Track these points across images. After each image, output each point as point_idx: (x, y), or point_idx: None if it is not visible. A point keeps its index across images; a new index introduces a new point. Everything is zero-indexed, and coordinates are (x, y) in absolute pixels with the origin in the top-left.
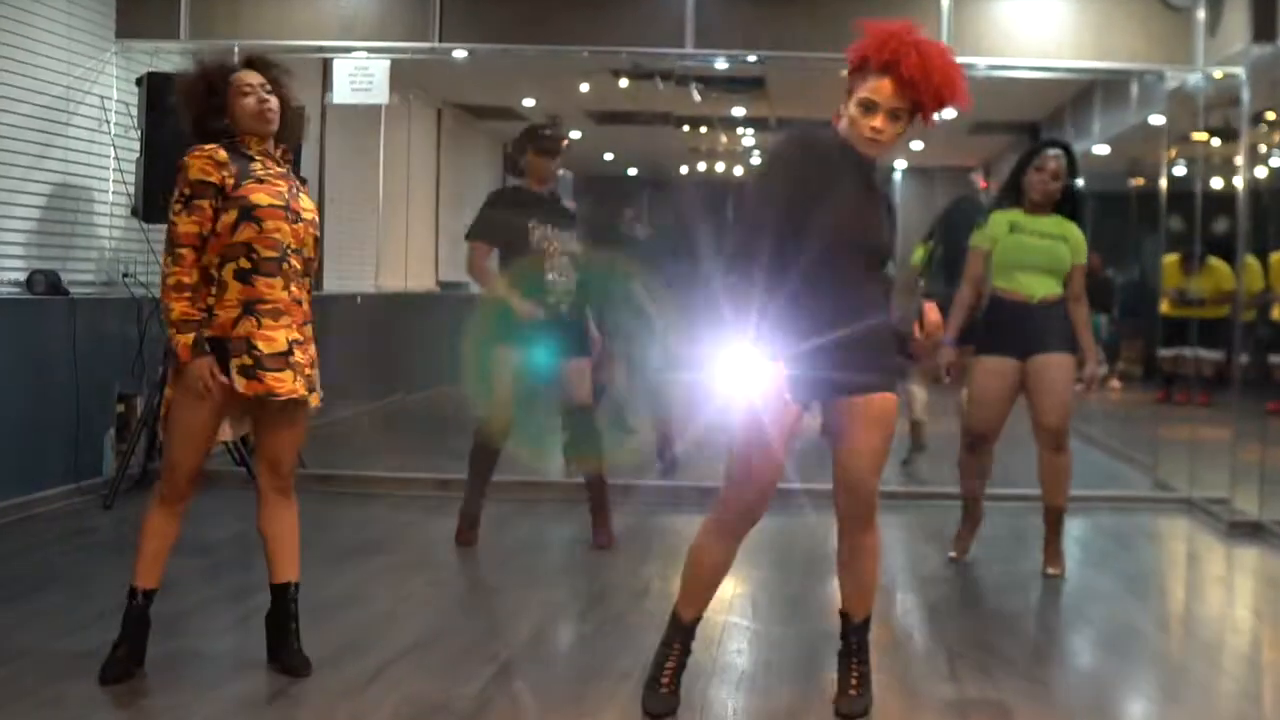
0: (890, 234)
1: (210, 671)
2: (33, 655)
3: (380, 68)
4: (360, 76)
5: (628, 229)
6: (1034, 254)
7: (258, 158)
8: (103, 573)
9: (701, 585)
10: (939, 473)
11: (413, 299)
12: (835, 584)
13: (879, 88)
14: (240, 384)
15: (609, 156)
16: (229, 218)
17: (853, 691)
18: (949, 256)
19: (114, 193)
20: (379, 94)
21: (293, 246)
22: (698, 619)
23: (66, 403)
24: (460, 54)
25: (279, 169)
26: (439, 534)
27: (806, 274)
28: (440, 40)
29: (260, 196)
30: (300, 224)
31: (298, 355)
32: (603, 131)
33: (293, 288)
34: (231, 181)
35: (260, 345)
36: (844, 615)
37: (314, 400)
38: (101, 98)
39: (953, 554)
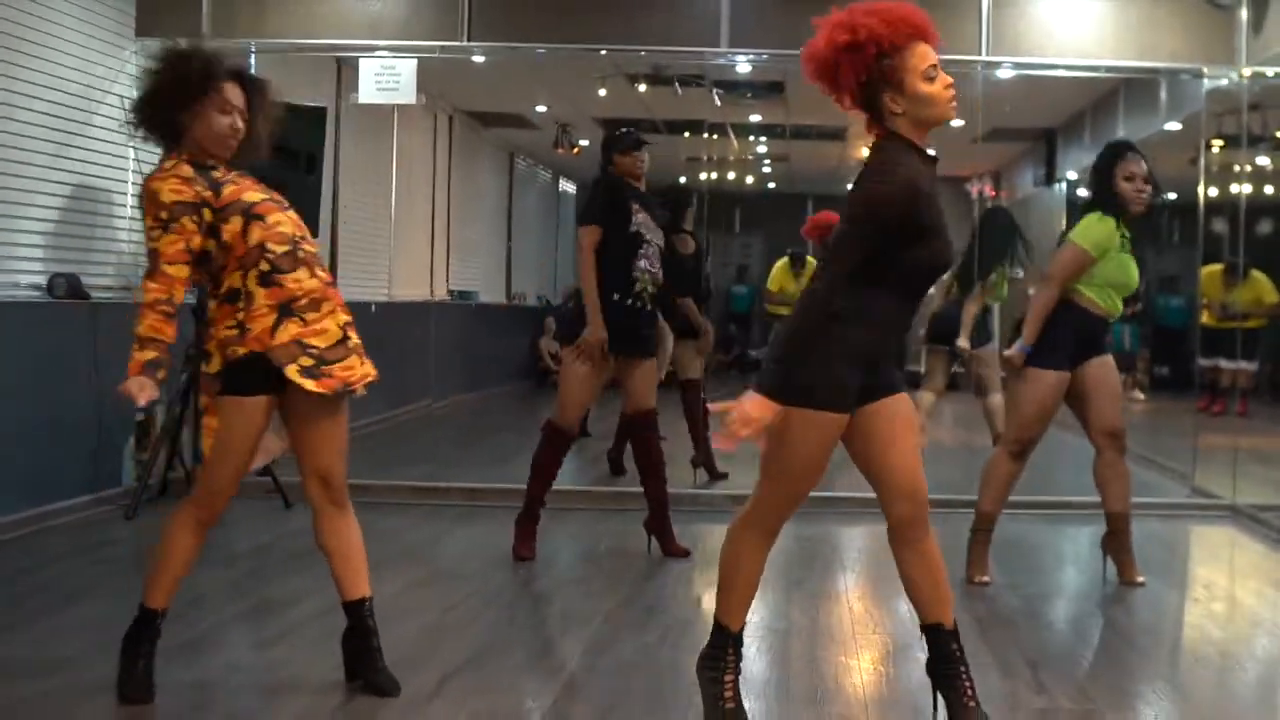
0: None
1: (259, 688)
2: (62, 673)
3: (407, 67)
4: (387, 76)
5: (680, 244)
6: (1133, 274)
7: (213, 167)
8: (130, 587)
9: (742, 589)
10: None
11: (430, 308)
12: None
13: (925, 53)
14: (310, 385)
15: None
16: (234, 226)
17: (971, 702)
18: (983, 264)
19: (133, 195)
20: (406, 94)
21: (297, 235)
22: (744, 625)
23: (86, 410)
24: (479, 58)
25: (234, 172)
26: (472, 544)
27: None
28: (469, 40)
29: (250, 194)
30: (292, 210)
31: (354, 337)
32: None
33: (318, 271)
34: (209, 193)
35: (314, 341)
36: (935, 627)
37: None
38: (121, 97)
39: (985, 579)
